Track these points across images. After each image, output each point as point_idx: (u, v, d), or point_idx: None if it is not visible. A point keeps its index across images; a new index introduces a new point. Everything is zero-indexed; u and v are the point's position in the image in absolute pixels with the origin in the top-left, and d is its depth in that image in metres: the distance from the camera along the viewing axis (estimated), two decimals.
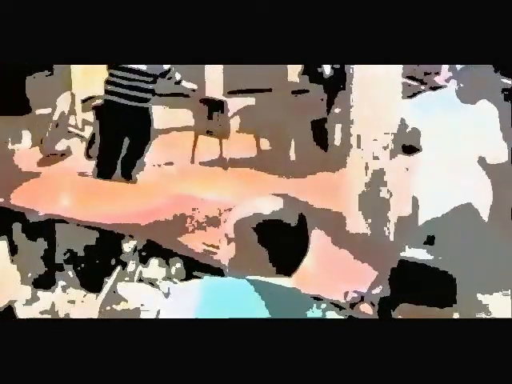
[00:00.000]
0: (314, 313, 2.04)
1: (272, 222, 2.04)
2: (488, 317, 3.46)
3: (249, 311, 2.00)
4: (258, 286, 2.03)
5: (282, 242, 2.04)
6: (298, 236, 2.06)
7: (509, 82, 6.31)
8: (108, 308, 2.80)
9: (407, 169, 5.15)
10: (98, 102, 6.82)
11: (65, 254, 3.75)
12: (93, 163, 6.74)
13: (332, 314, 2.08)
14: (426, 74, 6.99)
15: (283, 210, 2.06)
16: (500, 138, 4.33)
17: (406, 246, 3.71)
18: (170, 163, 7.64)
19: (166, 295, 2.26)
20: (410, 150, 4.59)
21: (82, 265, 3.61)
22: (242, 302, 2.02)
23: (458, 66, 4.36)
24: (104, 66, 6.40)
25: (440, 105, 4.39)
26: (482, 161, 4.34)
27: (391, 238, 5.13)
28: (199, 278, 2.21)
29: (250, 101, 8.54)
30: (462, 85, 4.30)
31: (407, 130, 4.44)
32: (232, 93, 8.55)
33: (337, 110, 7.60)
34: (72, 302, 3.09)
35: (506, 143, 4.35)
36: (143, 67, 6.31)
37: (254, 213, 2.06)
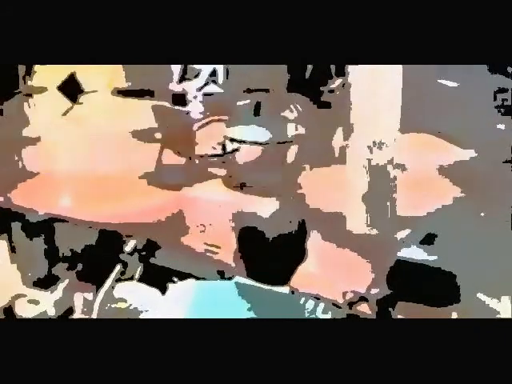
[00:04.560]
0: (308, 314, 2.04)
1: (270, 228, 2.03)
2: (488, 317, 3.46)
3: (243, 313, 2.01)
4: (253, 289, 2.03)
5: (279, 249, 2.03)
6: (295, 244, 2.05)
7: None
8: (106, 308, 2.80)
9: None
10: None
11: (64, 254, 3.76)
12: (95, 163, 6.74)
13: (329, 314, 2.09)
14: None
15: (283, 215, 2.05)
16: None
17: (405, 246, 3.71)
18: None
19: (163, 295, 2.27)
20: None
21: (82, 264, 3.61)
22: (236, 303, 2.02)
23: None
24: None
25: None
26: None
27: (390, 237, 5.12)
28: (196, 278, 2.22)
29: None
30: None
31: None
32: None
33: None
34: (71, 301, 3.09)
35: None
36: None
37: (254, 217, 2.05)
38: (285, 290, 2.05)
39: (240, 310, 2.02)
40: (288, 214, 2.06)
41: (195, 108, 7.62)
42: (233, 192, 6.03)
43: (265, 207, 2.06)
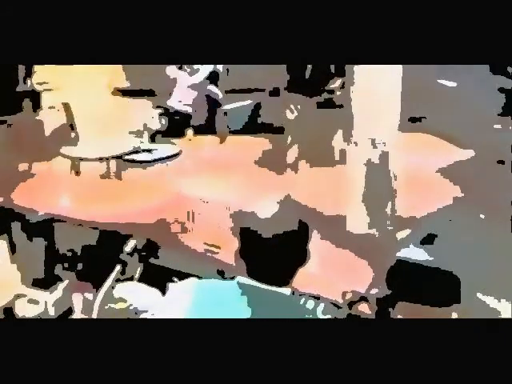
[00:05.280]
0: (308, 314, 2.04)
1: (271, 228, 2.02)
2: (488, 317, 3.46)
3: (243, 313, 2.01)
4: (254, 289, 2.03)
5: (279, 249, 2.03)
6: (297, 245, 2.05)
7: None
8: (106, 308, 2.80)
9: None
10: None
11: (64, 254, 3.77)
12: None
13: (329, 314, 2.08)
14: None
15: (283, 215, 2.05)
16: None
17: (405, 246, 3.71)
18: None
19: (163, 294, 2.28)
20: None
21: (81, 264, 3.62)
22: (236, 303, 2.02)
23: None
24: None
25: None
26: None
27: (390, 237, 5.12)
28: (196, 278, 2.22)
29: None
30: None
31: None
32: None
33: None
34: (71, 301, 3.09)
35: None
36: None
37: (254, 217, 2.05)
38: (286, 290, 2.05)
39: (240, 310, 2.02)
40: (288, 214, 2.06)
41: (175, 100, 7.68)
42: (233, 192, 6.03)
43: (265, 207, 2.06)
